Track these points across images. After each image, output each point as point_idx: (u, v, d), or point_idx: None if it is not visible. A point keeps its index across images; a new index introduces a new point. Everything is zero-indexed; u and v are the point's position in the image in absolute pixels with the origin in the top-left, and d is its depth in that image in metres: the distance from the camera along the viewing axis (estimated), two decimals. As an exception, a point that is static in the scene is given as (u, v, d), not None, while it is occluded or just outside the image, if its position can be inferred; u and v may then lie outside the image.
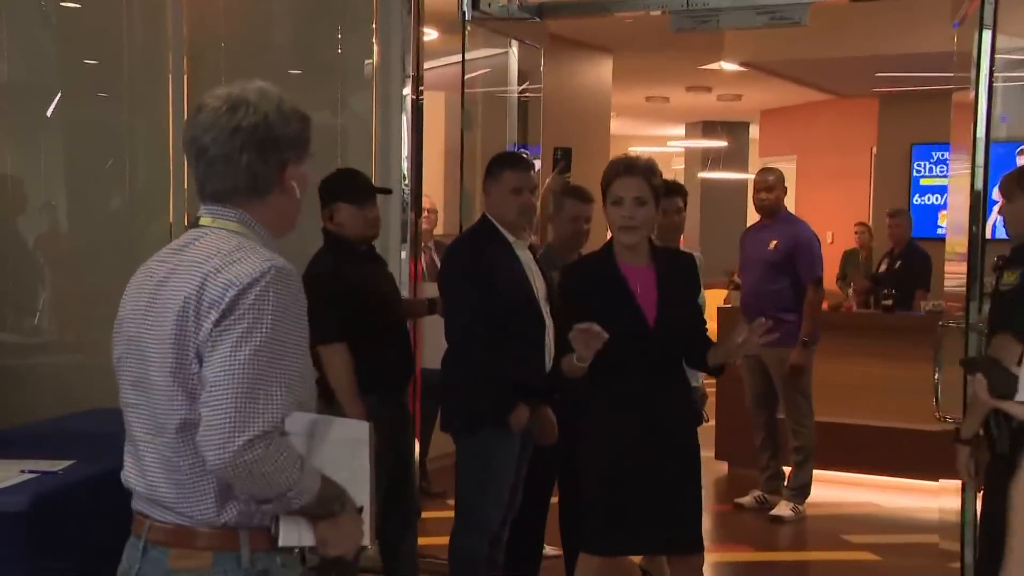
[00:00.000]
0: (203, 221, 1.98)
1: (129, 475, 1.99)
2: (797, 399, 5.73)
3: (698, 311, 3.54)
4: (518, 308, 3.69)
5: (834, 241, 10.84)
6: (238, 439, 1.77)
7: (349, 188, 3.80)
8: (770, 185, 5.78)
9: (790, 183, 13.40)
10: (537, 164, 6.15)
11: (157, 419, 1.90)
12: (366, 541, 2.01)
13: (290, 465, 1.82)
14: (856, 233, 10.02)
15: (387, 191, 4.22)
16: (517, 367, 3.66)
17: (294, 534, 1.92)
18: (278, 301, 1.83)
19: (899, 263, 7.97)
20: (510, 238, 3.77)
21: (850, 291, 7.74)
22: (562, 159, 4.97)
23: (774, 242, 5.70)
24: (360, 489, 1.99)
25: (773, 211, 5.78)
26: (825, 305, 6.55)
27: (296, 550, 1.96)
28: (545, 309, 3.75)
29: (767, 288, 5.69)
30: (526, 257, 3.81)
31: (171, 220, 4.57)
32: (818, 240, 5.80)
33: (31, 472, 2.86)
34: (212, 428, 1.78)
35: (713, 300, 6.60)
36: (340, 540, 1.95)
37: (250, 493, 1.85)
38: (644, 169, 3.35)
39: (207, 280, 1.85)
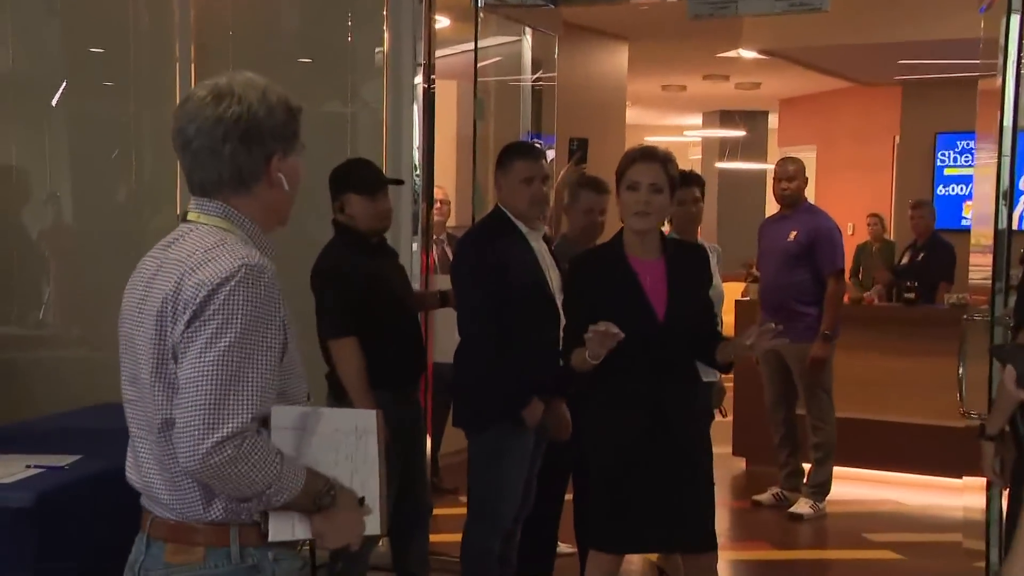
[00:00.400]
0: (190, 216, 2.01)
1: (129, 471, 2.04)
2: (818, 394, 5.71)
3: (709, 306, 3.53)
4: (531, 300, 3.68)
5: (855, 233, 10.80)
6: (207, 441, 1.80)
7: (360, 179, 3.80)
8: (791, 175, 5.76)
9: (810, 173, 13.36)
10: (551, 154, 6.15)
11: (148, 416, 1.94)
12: (375, 531, 2.02)
13: (267, 463, 1.84)
14: (868, 225, 9.97)
15: (399, 182, 4.22)
16: (531, 361, 3.66)
17: (286, 528, 1.94)
18: (248, 300, 1.85)
19: (922, 255, 7.94)
20: (523, 229, 3.77)
21: (867, 293, 7.72)
22: (578, 150, 4.96)
23: (793, 233, 5.68)
24: (366, 480, 2.00)
25: (794, 202, 5.76)
26: (846, 298, 6.51)
27: (300, 546, 1.98)
28: (560, 301, 3.74)
29: (786, 280, 5.67)
30: (540, 248, 3.80)
31: (178, 212, 4.54)
32: (839, 231, 5.78)
33: (37, 467, 2.87)
34: (182, 430, 1.82)
35: (731, 293, 6.59)
36: (337, 533, 1.97)
37: (227, 492, 1.88)
38: (662, 157, 3.35)
39: (183, 279, 1.88)
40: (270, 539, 1.93)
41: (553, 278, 3.77)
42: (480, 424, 3.74)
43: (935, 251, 7.84)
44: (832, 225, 5.74)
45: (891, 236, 10.57)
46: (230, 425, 1.81)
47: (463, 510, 3.91)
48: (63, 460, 2.96)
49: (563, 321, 3.71)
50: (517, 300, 3.65)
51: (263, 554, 1.94)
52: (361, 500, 1.99)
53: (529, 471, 3.82)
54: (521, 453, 3.73)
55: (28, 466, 2.87)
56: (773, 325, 3.18)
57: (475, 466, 3.81)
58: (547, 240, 3.95)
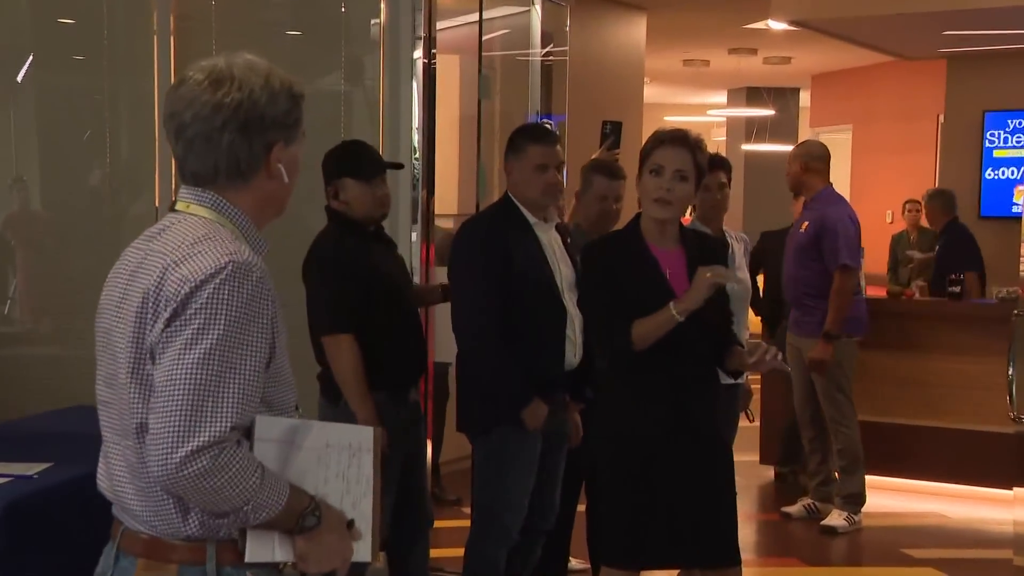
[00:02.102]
0: (178, 206, 2.02)
1: (101, 479, 2.04)
2: (832, 395, 5.73)
3: (726, 302, 3.55)
4: (535, 296, 3.70)
5: (894, 221, 10.79)
6: (181, 449, 1.80)
7: (356, 163, 3.80)
8: (788, 159, 5.96)
9: (844, 155, 13.35)
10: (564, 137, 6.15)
11: (122, 420, 1.95)
12: (364, 557, 2.02)
13: (245, 477, 1.84)
14: (906, 212, 9.97)
15: (398, 166, 4.22)
16: (533, 360, 3.67)
17: (266, 549, 1.93)
18: (233, 300, 1.85)
19: (938, 247, 8.12)
20: (531, 219, 3.78)
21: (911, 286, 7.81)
22: (611, 134, 4.96)
23: (805, 224, 5.78)
24: (358, 501, 2.00)
25: (794, 189, 5.90)
26: (883, 292, 6.50)
27: (283, 566, 1.98)
28: (569, 297, 3.75)
29: (797, 273, 5.77)
30: (550, 241, 3.81)
31: (157, 198, 4.58)
32: (852, 222, 5.72)
33: (3, 476, 2.88)
34: (155, 437, 1.82)
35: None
36: (321, 557, 1.96)
37: (201, 506, 1.89)
38: (692, 143, 3.36)
39: (166, 274, 1.89)
40: (247, 559, 1.93)
41: (563, 273, 3.78)
42: (483, 427, 3.76)
43: (952, 240, 7.94)
44: (842, 216, 5.73)
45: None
46: (207, 433, 1.80)
47: (466, 522, 3.92)
48: (32, 468, 2.97)
49: (572, 318, 3.72)
50: (520, 295, 3.66)
51: (240, 574, 1.94)
52: (350, 523, 1.99)
53: (542, 478, 3.84)
54: (527, 458, 3.74)
55: (-6, 474, 2.89)
56: (776, 351, 3.24)
57: (478, 472, 3.85)
58: (563, 230, 3.95)
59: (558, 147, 3.86)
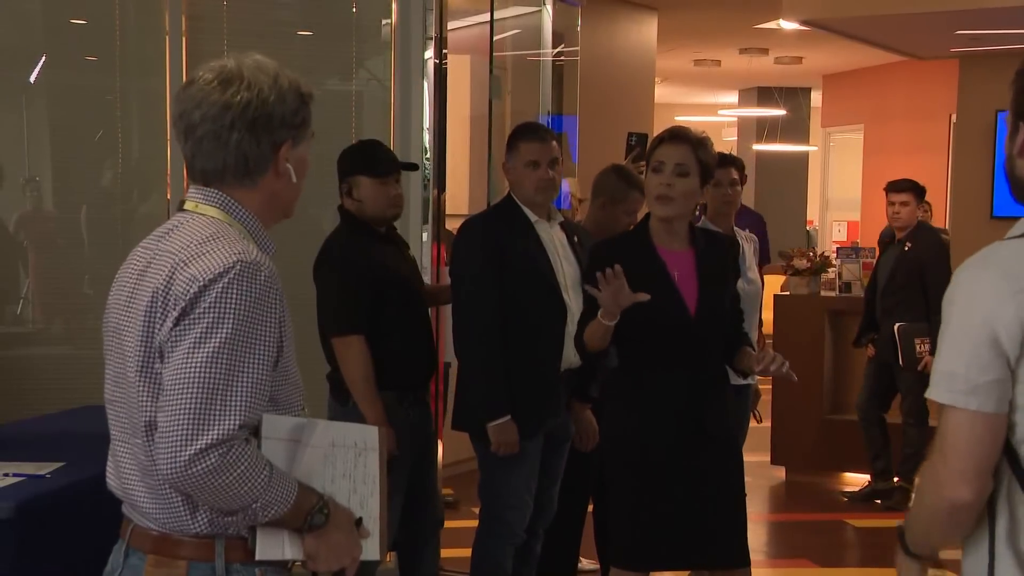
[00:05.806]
0: (187, 206, 2.04)
1: (110, 478, 2.06)
2: None
3: (737, 301, 3.54)
4: (533, 294, 3.70)
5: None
6: (190, 447, 1.81)
7: (371, 160, 3.81)
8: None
9: (856, 156, 13.30)
10: (574, 136, 6.16)
11: (132, 418, 1.96)
12: (373, 556, 2.04)
13: (254, 475, 1.85)
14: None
15: (413, 167, 4.22)
16: (528, 356, 3.67)
17: (275, 547, 1.95)
18: (242, 299, 1.87)
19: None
20: (533, 218, 3.78)
21: None
22: (637, 145, 4.96)
23: None
24: (366, 499, 2.02)
25: None
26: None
27: (292, 563, 1.99)
28: (573, 295, 3.74)
29: None
30: (551, 239, 3.80)
31: (168, 198, 4.60)
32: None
33: (16, 476, 2.89)
34: (164, 435, 1.84)
35: (771, 287, 6.60)
36: (330, 555, 1.97)
37: (209, 504, 1.90)
38: (693, 139, 3.35)
39: (175, 273, 1.91)
40: (257, 557, 1.94)
41: (566, 271, 3.78)
42: (475, 426, 3.75)
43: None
44: None
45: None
46: (215, 432, 1.82)
47: (475, 523, 3.93)
48: (44, 468, 2.98)
49: (571, 315, 3.72)
50: (517, 292, 3.67)
51: (249, 571, 1.96)
52: (359, 521, 2.01)
53: (548, 477, 3.84)
54: (526, 457, 3.73)
55: (7, 474, 2.89)
56: (783, 359, 3.24)
57: (481, 472, 3.87)
58: (569, 229, 3.94)
59: (552, 144, 3.84)
